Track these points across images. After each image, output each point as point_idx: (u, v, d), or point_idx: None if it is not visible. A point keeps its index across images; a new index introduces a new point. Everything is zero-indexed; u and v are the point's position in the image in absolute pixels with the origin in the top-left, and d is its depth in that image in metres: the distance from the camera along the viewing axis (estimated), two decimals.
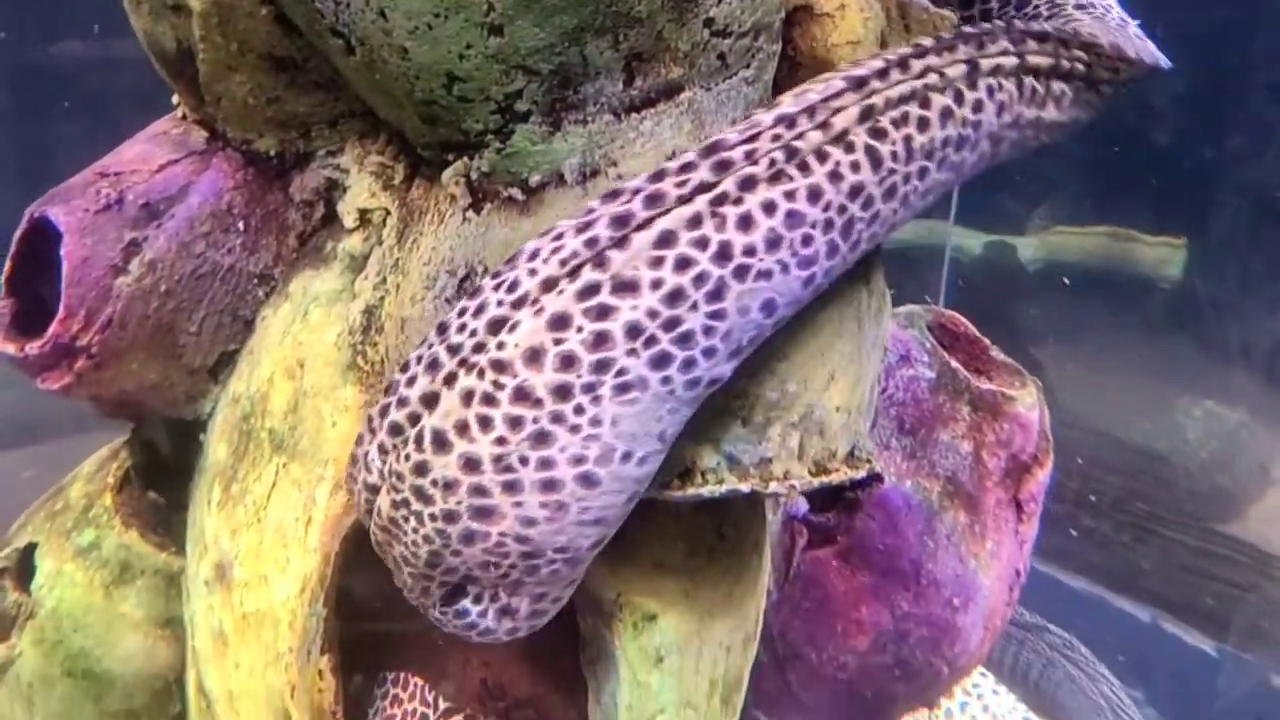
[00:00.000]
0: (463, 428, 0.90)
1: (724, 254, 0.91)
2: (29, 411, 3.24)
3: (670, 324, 0.90)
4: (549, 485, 0.90)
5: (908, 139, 0.99)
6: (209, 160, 1.31)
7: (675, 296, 0.90)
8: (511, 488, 0.90)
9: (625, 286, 0.90)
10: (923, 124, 1.01)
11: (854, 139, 0.97)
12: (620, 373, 0.89)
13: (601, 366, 0.88)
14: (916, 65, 1.02)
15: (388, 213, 1.26)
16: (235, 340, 1.33)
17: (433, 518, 0.91)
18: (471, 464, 0.89)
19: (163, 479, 1.40)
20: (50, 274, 1.26)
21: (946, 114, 1.02)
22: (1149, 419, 3.54)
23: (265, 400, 1.26)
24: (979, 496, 1.58)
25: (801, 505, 1.59)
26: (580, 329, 0.89)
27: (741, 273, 0.91)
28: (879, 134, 0.98)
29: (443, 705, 1.16)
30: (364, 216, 1.27)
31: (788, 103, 0.98)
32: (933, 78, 1.02)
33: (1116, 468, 3.38)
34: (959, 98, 1.04)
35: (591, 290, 0.90)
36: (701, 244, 0.91)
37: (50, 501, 1.43)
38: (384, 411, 0.96)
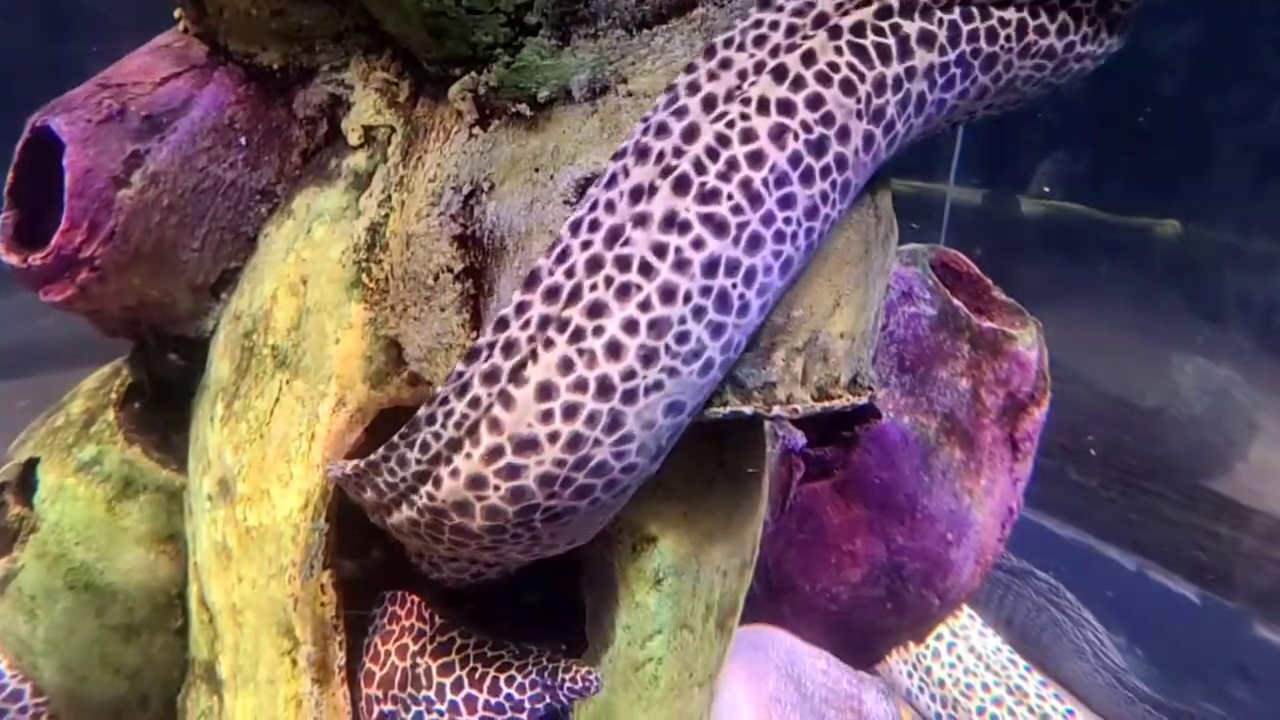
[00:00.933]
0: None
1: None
2: (21, 343, 3.23)
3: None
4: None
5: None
6: (210, 74, 1.29)
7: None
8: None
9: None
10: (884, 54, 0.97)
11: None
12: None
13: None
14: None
15: (393, 130, 1.24)
16: (237, 257, 1.32)
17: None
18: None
19: (164, 397, 1.40)
20: (52, 189, 1.25)
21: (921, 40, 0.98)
22: (1141, 374, 3.56)
23: (268, 317, 1.25)
24: (975, 434, 1.59)
25: (799, 439, 1.60)
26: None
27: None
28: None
29: (439, 621, 1.17)
30: (369, 134, 1.26)
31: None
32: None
33: (1108, 421, 3.41)
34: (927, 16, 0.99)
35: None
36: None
37: (51, 418, 1.43)
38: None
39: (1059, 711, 2.12)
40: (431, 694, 1.11)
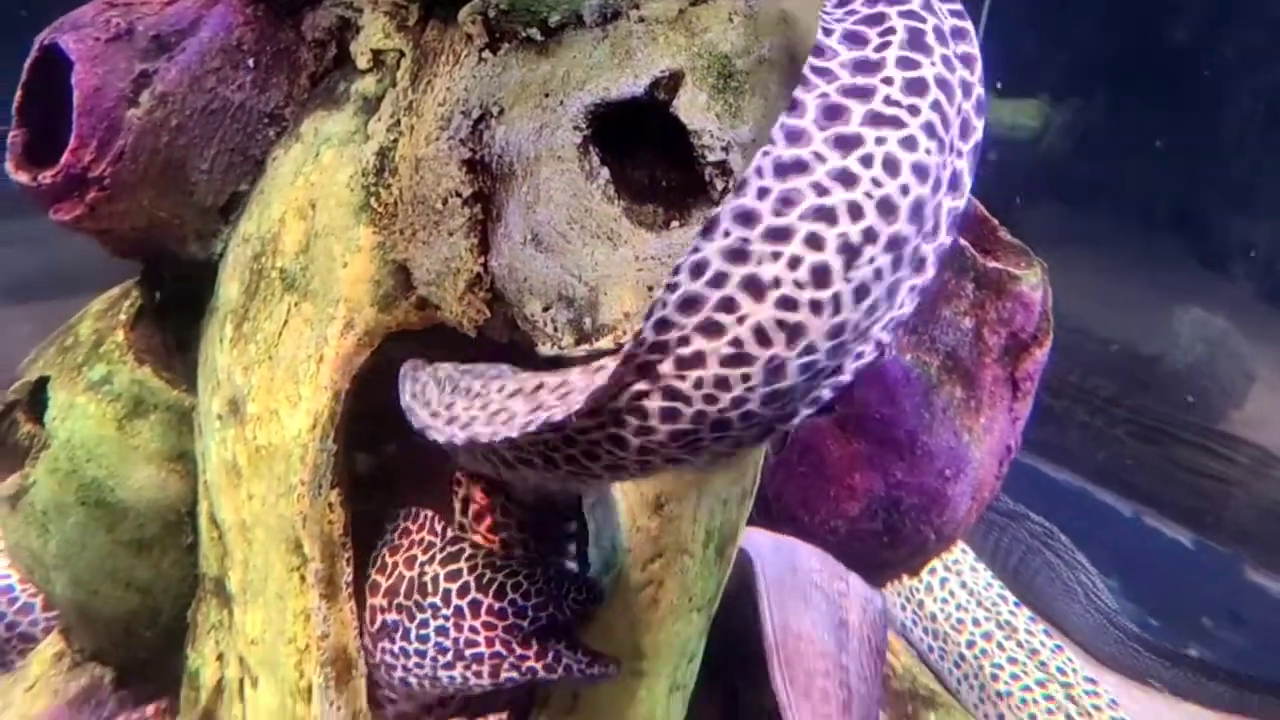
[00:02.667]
0: None
1: None
2: (26, 270, 3.23)
3: None
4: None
5: None
6: None
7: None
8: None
9: None
10: None
11: None
12: None
13: None
14: None
15: (402, 54, 1.24)
16: (246, 180, 1.32)
17: None
18: None
19: (173, 319, 1.41)
20: (60, 109, 1.24)
21: None
22: (1141, 322, 3.58)
23: (276, 240, 1.26)
24: (977, 372, 1.60)
25: None
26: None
27: None
28: None
29: (449, 534, 1.19)
30: (378, 57, 1.26)
31: None
32: None
33: (1107, 369, 3.43)
34: None
35: None
36: None
37: (61, 338, 1.45)
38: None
39: (1047, 646, 2.17)
40: (438, 600, 1.14)
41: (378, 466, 1.33)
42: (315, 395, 1.21)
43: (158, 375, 1.37)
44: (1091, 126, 3.78)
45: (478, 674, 1.13)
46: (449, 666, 1.14)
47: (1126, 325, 3.60)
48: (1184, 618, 2.62)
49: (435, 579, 1.15)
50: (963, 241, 1.63)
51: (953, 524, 1.63)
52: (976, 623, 2.24)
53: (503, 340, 1.16)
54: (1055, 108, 3.78)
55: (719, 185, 1.06)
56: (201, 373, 1.34)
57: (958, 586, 2.32)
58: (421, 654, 1.15)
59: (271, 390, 1.24)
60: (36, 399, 1.41)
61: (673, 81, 1.03)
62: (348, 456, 1.23)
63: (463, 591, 1.13)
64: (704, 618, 1.35)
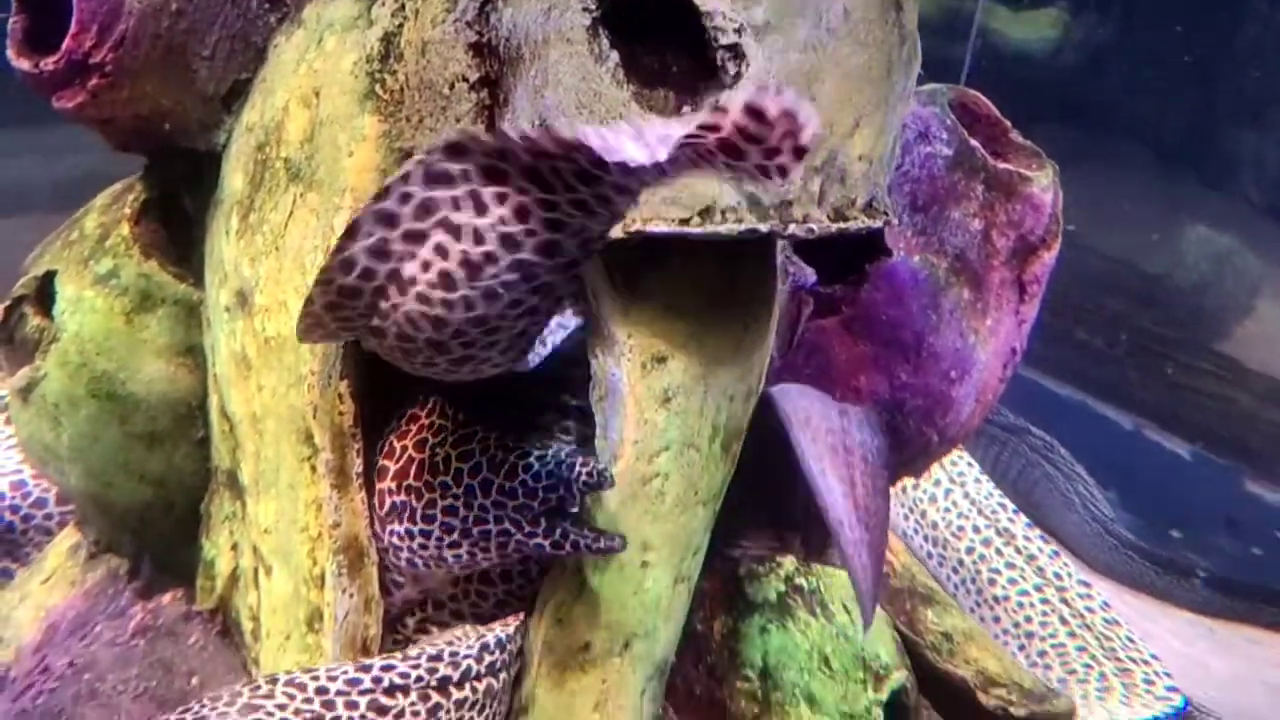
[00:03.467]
0: None
1: None
2: (30, 181, 3.21)
3: None
4: None
5: None
6: None
7: None
8: None
9: None
10: None
11: None
12: None
13: None
14: None
15: None
16: (248, 69, 1.30)
17: None
18: None
19: (178, 212, 1.41)
20: None
21: None
22: (1148, 239, 3.57)
23: (280, 129, 1.25)
24: (984, 275, 1.60)
25: (809, 276, 1.61)
26: None
27: None
28: None
29: (461, 417, 1.21)
30: None
31: None
32: None
33: (1113, 284, 3.43)
34: None
35: None
36: None
37: (66, 232, 1.44)
38: None
39: (1045, 552, 2.20)
40: (448, 479, 1.16)
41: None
42: None
43: (164, 269, 1.37)
44: (1106, 41, 3.71)
45: (485, 550, 1.16)
46: (455, 546, 1.16)
47: (1133, 242, 3.59)
48: (1180, 527, 2.67)
49: (446, 459, 1.17)
50: (973, 142, 1.61)
51: (956, 426, 1.64)
52: (976, 530, 2.28)
53: None
54: (1073, 20, 3.71)
55: (731, 69, 1.05)
56: (209, 265, 1.33)
57: (960, 497, 2.35)
58: (427, 534, 1.17)
59: (279, 281, 1.24)
60: (43, 293, 1.41)
61: None
62: (356, 347, 1.23)
63: (474, 471, 1.15)
64: (709, 512, 1.37)
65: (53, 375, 1.36)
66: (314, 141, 1.22)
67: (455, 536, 1.16)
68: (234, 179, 1.29)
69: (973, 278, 1.59)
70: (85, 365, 1.35)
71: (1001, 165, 1.61)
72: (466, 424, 1.18)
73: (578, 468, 1.13)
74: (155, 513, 1.43)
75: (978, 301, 1.60)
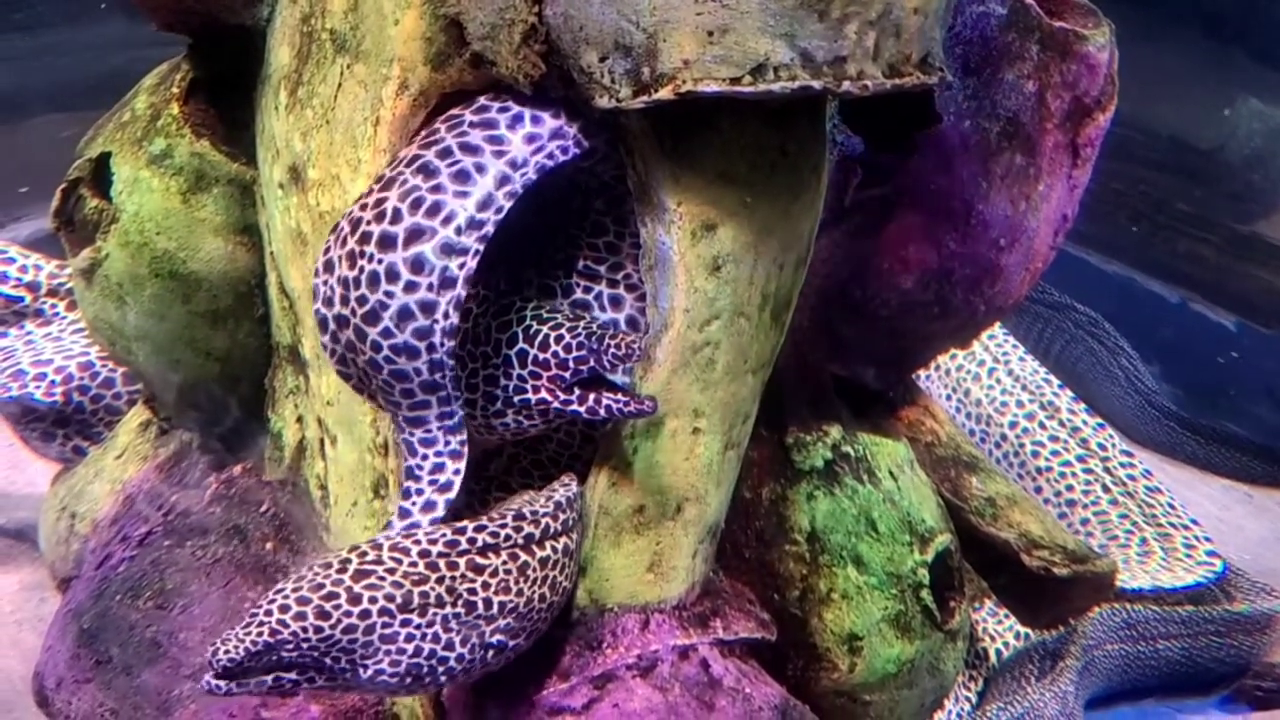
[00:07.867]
0: None
1: None
2: (71, 78, 3.22)
3: None
4: None
5: None
6: None
7: None
8: None
9: None
10: None
11: None
12: None
13: None
14: None
15: None
16: None
17: None
18: None
19: (226, 90, 1.41)
20: None
21: None
22: (1198, 116, 3.47)
23: (324, 0, 1.23)
24: (1037, 139, 1.56)
25: (858, 144, 1.59)
26: None
27: None
28: None
29: (503, 287, 1.23)
30: None
31: None
32: None
33: (1162, 160, 3.36)
34: None
35: None
36: None
37: (118, 114, 1.45)
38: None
39: (1089, 424, 2.22)
40: (489, 349, 1.20)
41: None
42: (374, 159, 1.22)
43: (217, 149, 1.38)
44: None
45: (529, 418, 1.22)
46: (500, 415, 1.21)
47: (1183, 117, 3.49)
48: (1223, 396, 2.66)
49: (488, 329, 1.20)
50: (1028, 0, 1.56)
51: (1004, 295, 1.63)
52: (1020, 404, 2.29)
53: (558, 96, 1.15)
54: None
55: None
56: (260, 142, 1.34)
57: (1004, 374, 2.36)
58: (471, 403, 1.21)
59: (331, 155, 1.24)
60: (99, 175, 1.43)
61: None
62: None
63: (511, 342, 1.19)
64: (759, 380, 1.38)
65: (115, 255, 1.39)
66: (359, 10, 1.21)
67: (499, 405, 1.21)
68: (280, 53, 1.29)
69: (1025, 142, 1.56)
70: (146, 245, 1.38)
71: (1057, 24, 1.56)
72: (507, 294, 1.21)
73: (608, 341, 1.15)
74: (221, 389, 1.48)
75: (1030, 167, 1.57)
